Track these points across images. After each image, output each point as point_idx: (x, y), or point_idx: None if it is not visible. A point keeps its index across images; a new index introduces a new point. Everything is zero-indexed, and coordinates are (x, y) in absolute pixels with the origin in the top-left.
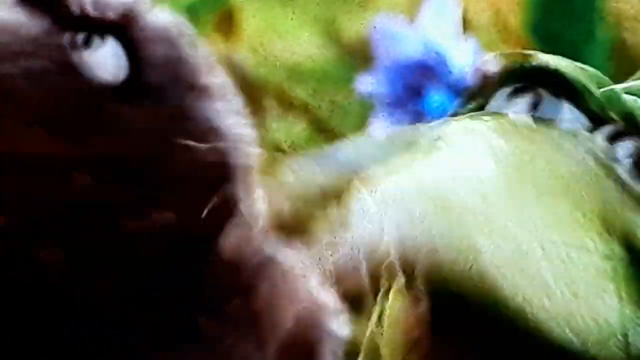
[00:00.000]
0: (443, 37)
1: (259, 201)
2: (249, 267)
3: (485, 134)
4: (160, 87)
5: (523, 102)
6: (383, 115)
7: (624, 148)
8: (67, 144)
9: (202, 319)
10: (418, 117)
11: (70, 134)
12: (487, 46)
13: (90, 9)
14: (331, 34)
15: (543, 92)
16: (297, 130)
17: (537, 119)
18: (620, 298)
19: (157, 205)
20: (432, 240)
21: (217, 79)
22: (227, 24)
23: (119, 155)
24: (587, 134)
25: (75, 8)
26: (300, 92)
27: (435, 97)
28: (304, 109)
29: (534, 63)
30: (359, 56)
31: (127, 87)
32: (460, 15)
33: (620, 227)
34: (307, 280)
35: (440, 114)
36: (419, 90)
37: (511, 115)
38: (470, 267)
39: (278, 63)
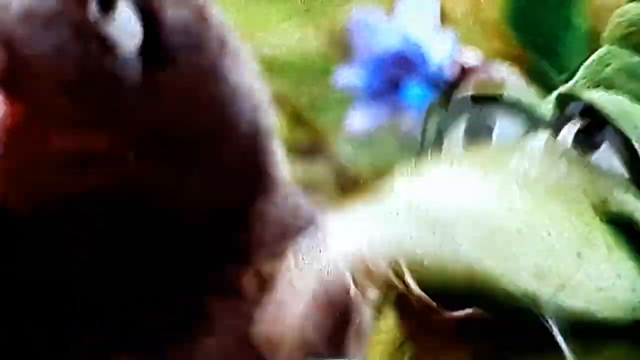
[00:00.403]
0: (421, 30)
1: (283, 162)
2: (289, 230)
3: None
4: (183, 49)
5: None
6: (362, 108)
7: (568, 132)
8: (97, 113)
9: (243, 279)
10: (396, 109)
11: (97, 103)
12: (466, 38)
13: None
14: (311, 26)
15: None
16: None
17: (473, 138)
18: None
19: (187, 166)
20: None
21: (236, 41)
22: None
23: (147, 122)
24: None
25: None
26: (280, 85)
27: (414, 89)
28: (283, 102)
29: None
30: (339, 49)
31: (148, 51)
32: (439, 8)
33: (595, 199)
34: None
35: (418, 106)
36: (397, 82)
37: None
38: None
39: (257, 55)
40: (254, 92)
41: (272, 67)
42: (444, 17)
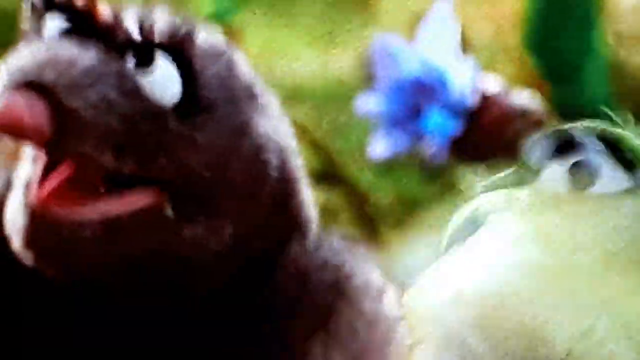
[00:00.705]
0: (442, 57)
1: (311, 207)
2: (313, 284)
3: (527, 212)
4: (217, 103)
5: (563, 163)
6: (383, 134)
7: None
8: (139, 165)
9: (268, 338)
10: (417, 136)
11: (139, 156)
12: (487, 65)
13: (136, 35)
14: (332, 53)
15: (584, 151)
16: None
17: (576, 181)
18: None
19: (222, 219)
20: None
21: (265, 94)
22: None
23: (187, 172)
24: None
25: (121, 35)
26: (300, 113)
27: (435, 116)
28: (303, 130)
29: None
30: (359, 76)
31: (186, 105)
32: (460, 34)
33: None
34: (376, 289)
35: (439, 133)
36: (418, 109)
37: (549, 186)
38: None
39: (278, 83)
40: (283, 143)
41: (293, 94)
42: (465, 44)
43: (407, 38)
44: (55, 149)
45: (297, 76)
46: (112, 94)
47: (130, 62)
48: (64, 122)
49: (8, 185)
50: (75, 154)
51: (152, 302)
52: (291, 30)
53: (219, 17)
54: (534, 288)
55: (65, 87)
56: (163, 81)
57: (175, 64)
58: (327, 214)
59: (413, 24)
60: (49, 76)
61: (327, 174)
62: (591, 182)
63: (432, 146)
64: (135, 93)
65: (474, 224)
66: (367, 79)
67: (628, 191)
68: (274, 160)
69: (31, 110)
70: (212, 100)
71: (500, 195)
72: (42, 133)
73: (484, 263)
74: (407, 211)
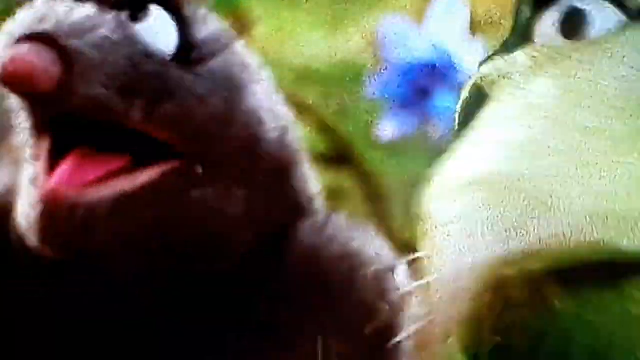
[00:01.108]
0: (451, 38)
1: (315, 186)
2: (323, 258)
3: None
4: (213, 59)
5: (553, 14)
6: (391, 116)
7: None
8: (146, 110)
9: (281, 313)
10: (426, 118)
11: (146, 99)
12: (496, 47)
13: None
14: (340, 36)
15: None
16: (303, 132)
17: (569, 30)
18: None
19: (228, 180)
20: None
21: (264, 77)
22: (238, 26)
23: (188, 118)
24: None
25: None
26: (308, 94)
27: (443, 98)
28: (311, 111)
29: None
30: (368, 58)
31: (184, 54)
32: (469, 16)
33: None
34: (385, 267)
35: (448, 115)
36: (426, 91)
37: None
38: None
39: (287, 65)
40: (281, 117)
41: (301, 76)
42: (474, 26)
43: (416, 20)
44: (65, 94)
45: (305, 58)
46: (113, 37)
47: (125, 15)
48: (70, 63)
49: (8, 191)
50: (85, 98)
51: (166, 283)
52: (299, 12)
53: (228, 0)
54: (547, 164)
55: (66, 32)
56: (158, 29)
57: (169, 14)
58: (336, 195)
59: (422, 5)
60: (49, 25)
61: (336, 156)
62: (585, 28)
63: (440, 128)
64: (133, 39)
65: (480, 96)
66: (376, 61)
67: (625, 26)
68: (272, 130)
69: (39, 55)
70: (208, 54)
71: (498, 61)
72: (51, 75)
73: (493, 141)
74: (416, 193)
